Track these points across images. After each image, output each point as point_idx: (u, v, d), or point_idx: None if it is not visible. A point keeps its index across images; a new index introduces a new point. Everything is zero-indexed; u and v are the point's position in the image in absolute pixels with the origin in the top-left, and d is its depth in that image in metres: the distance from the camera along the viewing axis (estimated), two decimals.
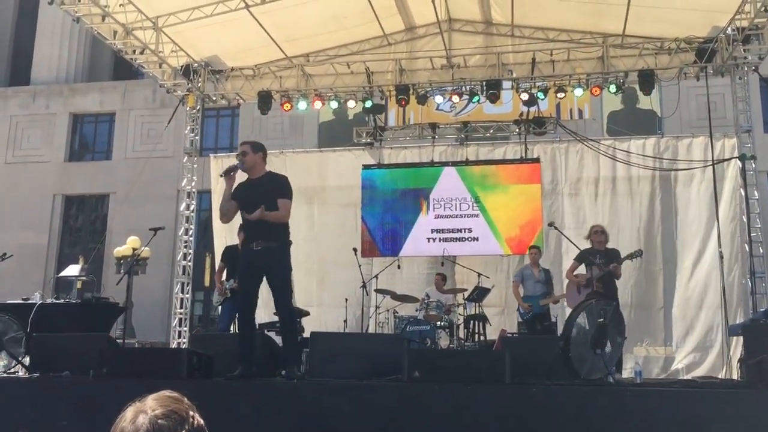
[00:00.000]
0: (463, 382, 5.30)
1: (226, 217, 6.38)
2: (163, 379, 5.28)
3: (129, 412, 1.52)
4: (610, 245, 8.65)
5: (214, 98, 12.77)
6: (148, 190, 19.70)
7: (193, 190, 12.62)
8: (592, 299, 6.73)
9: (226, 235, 12.47)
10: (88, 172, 23.39)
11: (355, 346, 6.61)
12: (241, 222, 7.77)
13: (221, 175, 6.16)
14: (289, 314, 6.25)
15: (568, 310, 8.18)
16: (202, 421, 1.54)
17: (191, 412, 1.54)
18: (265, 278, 6.23)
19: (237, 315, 8.05)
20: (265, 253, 6.04)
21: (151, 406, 1.51)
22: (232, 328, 9.33)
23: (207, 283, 16.43)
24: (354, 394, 5.42)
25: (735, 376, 9.48)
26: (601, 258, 8.21)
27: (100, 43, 12.95)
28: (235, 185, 6.20)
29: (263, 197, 6.02)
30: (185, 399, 1.58)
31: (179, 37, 11.26)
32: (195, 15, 10.59)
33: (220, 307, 9.83)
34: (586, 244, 8.68)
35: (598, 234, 8.58)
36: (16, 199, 22.63)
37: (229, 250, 9.76)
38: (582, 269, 8.58)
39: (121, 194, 20.66)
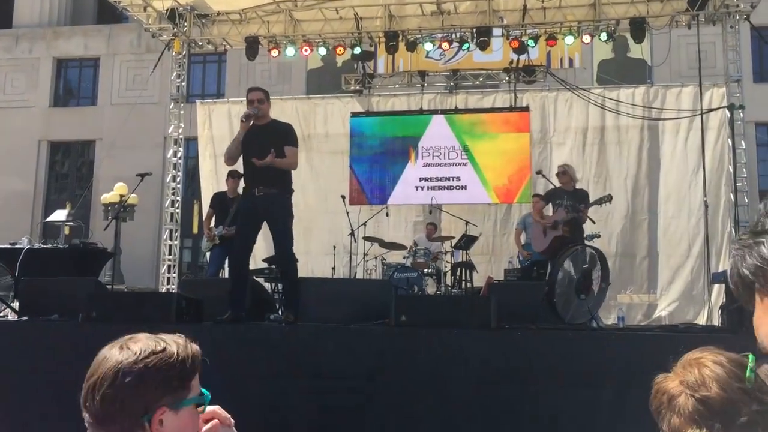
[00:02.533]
0: (450, 326, 5.38)
1: (232, 160, 6.31)
2: (152, 323, 5.33)
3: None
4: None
5: (200, 44, 12.55)
6: (135, 136, 19.52)
7: (180, 136, 12.50)
8: (565, 244, 6.74)
9: (213, 182, 12.46)
10: (74, 117, 23.12)
11: (343, 291, 6.68)
12: (231, 169, 7.70)
13: (242, 120, 6.05)
14: (290, 261, 6.26)
15: None
16: (174, 350, 1.48)
17: (163, 343, 1.49)
18: (266, 224, 6.23)
19: (229, 259, 8.09)
20: (267, 199, 6.03)
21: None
22: (220, 274, 9.39)
23: (195, 230, 16.38)
24: (342, 338, 5.50)
25: (716, 324, 9.66)
26: (569, 199, 7.88)
27: None
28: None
29: (271, 144, 5.96)
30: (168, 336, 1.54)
31: None
32: None
33: (208, 254, 9.86)
34: None
35: (560, 175, 8.23)
36: (1, 146, 22.38)
37: (217, 197, 9.76)
38: (550, 210, 8.31)
39: (108, 140, 20.45)
